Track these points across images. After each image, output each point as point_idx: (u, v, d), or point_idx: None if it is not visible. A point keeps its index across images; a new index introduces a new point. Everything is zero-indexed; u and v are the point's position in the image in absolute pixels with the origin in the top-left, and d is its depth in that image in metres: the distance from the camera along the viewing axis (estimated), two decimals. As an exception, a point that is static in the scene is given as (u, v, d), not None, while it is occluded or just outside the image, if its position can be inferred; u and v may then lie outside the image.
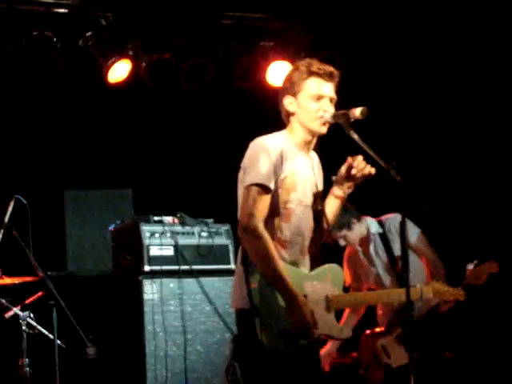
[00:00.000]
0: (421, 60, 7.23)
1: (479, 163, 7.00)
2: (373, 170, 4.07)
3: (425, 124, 7.27)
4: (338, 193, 4.19)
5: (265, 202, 3.98)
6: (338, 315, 4.36)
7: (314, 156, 4.31)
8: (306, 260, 4.18)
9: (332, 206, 4.22)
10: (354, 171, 4.09)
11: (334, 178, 4.21)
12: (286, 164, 4.07)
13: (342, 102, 4.25)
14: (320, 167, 4.32)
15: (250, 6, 7.25)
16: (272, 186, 4.01)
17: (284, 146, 4.11)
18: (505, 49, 6.70)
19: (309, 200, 4.17)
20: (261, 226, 3.94)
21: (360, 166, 4.07)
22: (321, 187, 4.26)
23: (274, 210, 4.06)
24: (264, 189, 3.98)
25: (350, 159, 4.11)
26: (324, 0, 7.30)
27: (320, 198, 4.24)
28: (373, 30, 7.33)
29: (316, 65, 4.16)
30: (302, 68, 4.17)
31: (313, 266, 4.21)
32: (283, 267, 3.95)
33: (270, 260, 3.93)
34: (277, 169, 4.03)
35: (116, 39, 6.98)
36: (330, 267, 4.24)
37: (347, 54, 7.29)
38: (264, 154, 4.02)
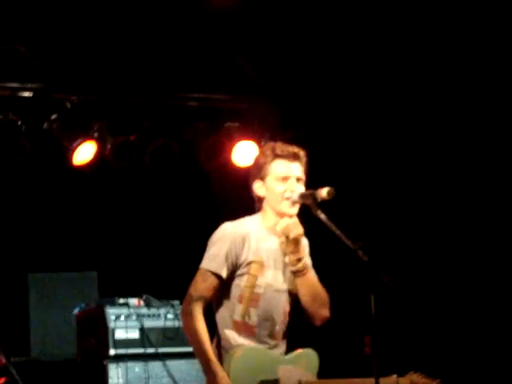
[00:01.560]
0: (386, 140, 7.31)
1: (448, 244, 7.03)
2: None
3: (392, 204, 7.31)
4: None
5: (206, 284, 4.03)
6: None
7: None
8: (280, 345, 4.15)
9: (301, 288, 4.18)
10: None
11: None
12: (250, 250, 4.07)
13: (309, 182, 4.26)
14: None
15: (214, 87, 7.31)
16: (221, 272, 4.04)
17: (253, 231, 4.12)
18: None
19: (280, 284, 4.14)
20: (193, 305, 4.02)
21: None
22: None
23: (242, 295, 4.05)
24: (209, 273, 4.04)
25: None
26: (289, 81, 7.38)
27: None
28: (338, 110, 7.42)
29: (280, 147, 4.19)
30: (266, 152, 4.21)
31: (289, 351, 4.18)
32: (208, 347, 3.97)
33: (195, 335, 3.98)
34: (234, 256, 4.05)
35: (81, 121, 6.98)
36: (305, 352, 4.21)
37: (313, 134, 7.35)
38: (220, 241, 4.06)
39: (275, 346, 4.12)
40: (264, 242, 4.12)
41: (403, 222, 7.27)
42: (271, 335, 4.11)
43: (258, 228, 4.14)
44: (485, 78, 6.61)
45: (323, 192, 4.04)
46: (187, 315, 4.03)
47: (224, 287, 4.09)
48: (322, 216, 4.00)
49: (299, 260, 4.10)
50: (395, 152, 7.27)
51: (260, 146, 7.23)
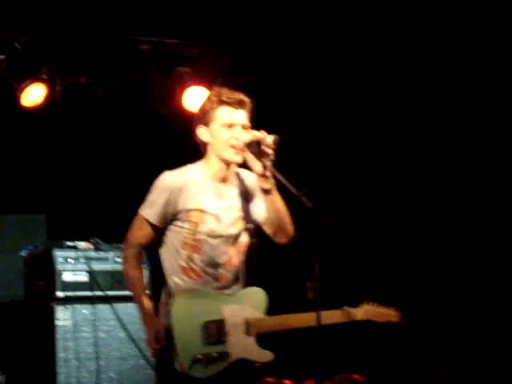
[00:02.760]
0: (332, 87, 7.33)
1: (393, 185, 7.12)
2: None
3: (339, 152, 7.37)
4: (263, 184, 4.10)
5: (142, 232, 4.15)
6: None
7: (235, 186, 4.24)
8: (235, 288, 4.20)
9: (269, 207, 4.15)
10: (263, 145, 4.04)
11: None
12: (189, 198, 4.10)
13: (257, 128, 4.27)
14: (239, 197, 4.26)
15: (166, 32, 7.26)
16: (156, 222, 4.11)
17: (193, 178, 4.14)
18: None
19: (222, 231, 4.18)
20: (128, 252, 4.18)
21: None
22: (242, 222, 4.23)
23: (185, 243, 4.11)
24: (145, 221, 4.13)
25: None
26: (241, 26, 7.35)
27: (241, 229, 4.23)
28: (289, 56, 7.42)
29: (226, 93, 4.18)
30: (212, 98, 4.19)
31: None
32: (142, 291, 4.14)
33: (128, 282, 4.19)
34: (171, 205, 4.09)
35: (30, 63, 6.91)
36: (251, 290, 4.24)
37: (264, 80, 7.35)
38: (158, 190, 4.11)
39: (223, 290, 4.16)
40: (205, 189, 4.14)
41: (350, 168, 7.35)
42: (218, 280, 4.15)
43: (200, 175, 4.16)
44: (474, 73, 6.66)
45: (268, 139, 4.06)
46: (125, 260, 4.22)
47: (166, 234, 4.15)
48: (268, 163, 4.02)
49: (265, 178, 4.04)
50: (344, 100, 7.32)
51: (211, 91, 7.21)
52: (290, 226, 4.17)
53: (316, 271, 3.79)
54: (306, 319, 4.23)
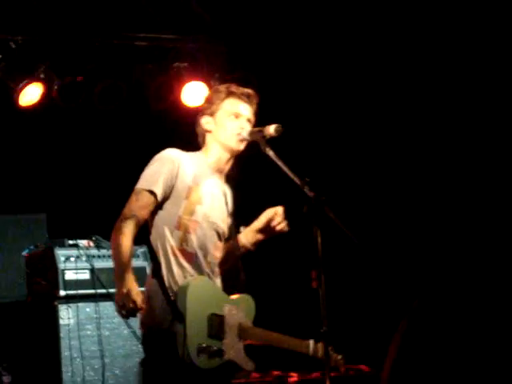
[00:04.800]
0: (333, 79, 7.32)
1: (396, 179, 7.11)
2: (287, 228, 4.20)
3: (340, 141, 7.36)
4: (246, 244, 4.25)
5: (140, 203, 4.04)
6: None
7: (228, 188, 4.34)
8: (214, 279, 4.18)
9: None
10: (274, 223, 4.20)
11: (242, 228, 4.25)
12: (190, 175, 4.10)
13: (258, 120, 4.30)
14: (231, 200, 4.33)
15: (162, 27, 7.24)
16: (155, 189, 4.04)
17: (193, 161, 4.16)
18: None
19: (215, 219, 4.18)
20: (123, 223, 4.01)
21: (279, 219, 4.20)
22: (229, 218, 4.28)
23: (179, 222, 4.08)
24: (144, 192, 4.05)
25: (270, 212, 4.20)
26: (238, 21, 7.34)
27: (228, 227, 4.27)
28: (287, 51, 7.40)
29: (235, 86, 4.27)
30: (221, 89, 4.29)
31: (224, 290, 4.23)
32: (127, 261, 3.96)
33: (117, 248, 3.97)
34: (172, 176, 4.06)
35: (26, 62, 6.89)
36: (244, 297, 4.29)
37: (262, 75, 7.33)
38: (158, 162, 4.10)
39: (210, 276, 4.15)
40: (205, 176, 4.17)
41: (353, 159, 7.34)
42: (206, 266, 4.14)
43: (201, 162, 4.18)
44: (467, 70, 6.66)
45: (271, 129, 4.12)
46: (116, 231, 4.01)
47: (160, 213, 4.10)
48: (271, 153, 4.07)
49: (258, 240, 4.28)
50: (345, 90, 7.31)
51: (209, 87, 7.21)
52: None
53: (319, 260, 3.78)
54: (289, 343, 4.25)
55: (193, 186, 4.10)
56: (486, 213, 6.57)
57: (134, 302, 3.87)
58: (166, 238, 4.07)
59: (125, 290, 3.89)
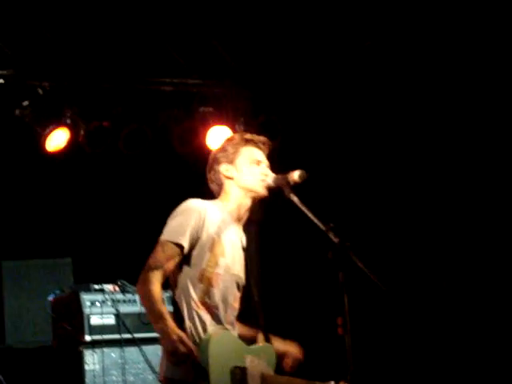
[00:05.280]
0: (356, 122, 7.33)
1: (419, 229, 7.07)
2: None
3: (363, 187, 7.35)
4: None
5: (165, 254, 3.97)
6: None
7: (244, 236, 4.31)
8: (233, 331, 4.16)
9: None
10: (286, 362, 4.31)
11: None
12: (214, 226, 4.07)
13: (283, 165, 4.30)
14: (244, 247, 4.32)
15: (187, 72, 7.29)
16: (184, 243, 3.99)
17: (213, 211, 4.13)
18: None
19: (237, 271, 4.17)
20: (150, 273, 3.92)
21: (290, 364, 4.31)
22: (243, 267, 4.26)
23: (203, 275, 4.05)
24: (170, 243, 3.98)
25: (292, 351, 4.32)
26: (262, 65, 7.38)
27: (245, 272, 4.25)
28: (309, 94, 7.43)
29: (248, 134, 4.29)
30: (236, 137, 4.29)
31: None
32: (165, 310, 3.88)
33: (149, 298, 3.88)
34: (197, 228, 4.03)
35: (53, 108, 6.95)
36: (265, 347, 4.26)
37: (285, 119, 7.36)
38: (184, 214, 4.04)
39: (230, 328, 4.13)
40: (226, 225, 4.14)
41: (377, 205, 7.31)
42: (225, 319, 4.12)
43: (222, 211, 4.16)
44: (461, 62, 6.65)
45: (295, 175, 4.10)
46: (143, 282, 3.92)
47: (185, 267, 4.06)
48: (295, 199, 4.05)
49: None
50: (366, 134, 7.30)
51: (234, 131, 7.24)
52: None
53: (345, 306, 3.76)
54: None
55: (216, 237, 4.07)
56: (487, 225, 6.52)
57: (187, 346, 3.85)
58: (189, 291, 4.02)
59: (175, 337, 3.82)
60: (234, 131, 7.21)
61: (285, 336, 4.34)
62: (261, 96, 7.49)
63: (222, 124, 7.44)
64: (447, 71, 6.73)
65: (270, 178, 4.16)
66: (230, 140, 4.29)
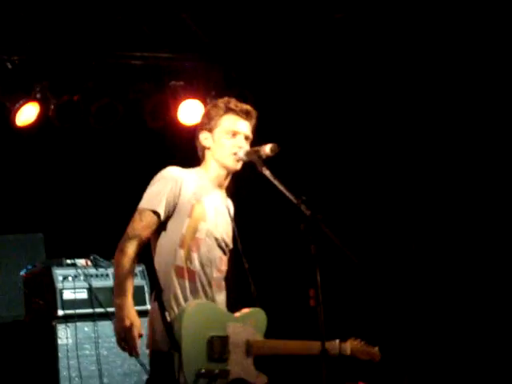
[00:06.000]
0: (325, 95, 7.34)
1: (390, 191, 7.11)
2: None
3: (334, 158, 7.38)
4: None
5: (143, 223, 4.04)
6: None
7: (230, 202, 4.37)
8: (219, 294, 4.18)
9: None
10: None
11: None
12: (192, 192, 4.10)
13: (255, 138, 4.31)
14: (232, 215, 4.34)
15: (158, 46, 7.26)
16: (160, 210, 4.04)
17: (194, 177, 4.16)
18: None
19: (218, 233, 4.19)
20: (127, 243, 4.02)
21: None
22: (230, 232, 4.28)
23: (183, 241, 4.07)
24: (147, 212, 4.03)
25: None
26: (232, 38, 7.36)
27: (230, 239, 4.28)
28: (282, 67, 7.42)
29: (234, 102, 4.27)
30: (219, 105, 4.27)
31: (230, 304, 4.22)
32: (127, 285, 3.98)
33: (119, 270, 3.99)
34: (174, 195, 4.06)
35: (23, 82, 6.90)
36: (254, 311, 4.27)
37: (258, 92, 7.35)
38: (161, 181, 4.09)
39: (214, 294, 4.15)
40: (207, 191, 4.17)
41: (348, 177, 7.34)
42: (209, 284, 4.14)
43: (202, 178, 4.18)
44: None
45: (267, 148, 4.13)
46: (119, 252, 4.02)
47: (163, 233, 4.10)
48: (267, 172, 4.08)
49: None
50: (337, 105, 7.32)
51: (205, 105, 7.22)
52: None
53: (317, 279, 3.79)
54: (304, 347, 4.24)
55: (195, 203, 4.10)
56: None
57: (134, 340, 3.91)
58: (169, 258, 4.06)
59: (127, 324, 3.93)
60: (206, 105, 7.20)
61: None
62: (232, 69, 7.47)
63: (193, 98, 7.43)
64: (446, 71, 6.75)
65: (242, 151, 4.16)
66: (213, 106, 4.29)
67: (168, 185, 4.07)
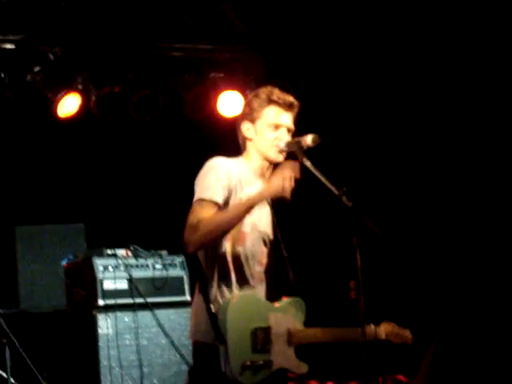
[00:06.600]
0: (366, 87, 7.30)
1: (429, 187, 7.06)
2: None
3: (376, 150, 7.33)
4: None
5: (205, 210, 3.92)
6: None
7: None
8: (260, 287, 4.17)
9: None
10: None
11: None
12: (239, 186, 4.07)
13: (296, 129, 4.28)
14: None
15: (198, 38, 7.27)
16: (219, 199, 3.97)
17: (239, 170, 4.11)
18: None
19: (262, 227, 4.17)
20: (192, 229, 3.89)
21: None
22: (271, 222, 4.25)
23: (229, 233, 4.04)
24: (206, 201, 3.95)
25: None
26: (273, 29, 7.35)
27: (271, 230, 4.24)
28: (323, 59, 7.39)
29: (276, 93, 4.18)
30: (262, 95, 4.19)
31: (270, 296, 4.20)
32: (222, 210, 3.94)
33: (213, 221, 3.90)
34: (226, 187, 4.01)
35: (64, 73, 6.95)
36: (293, 301, 4.24)
37: (298, 83, 7.33)
38: (212, 171, 4.01)
39: (256, 287, 4.14)
40: (251, 183, 4.12)
41: (389, 168, 7.30)
42: (252, 277, 4.13)
43: (244, 169, 4.15)
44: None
45: (308, 139, 4.08)
46: (192, 230, 3.88)
47: None
48: (308, 163, 4.03)
49: None
50: (380, 98, 7.27)
51: (245, 96, 7.21)
52: None
53: (358, 270, 3.77)
54: (346, 334, 4.22)
55: (242, 197, 4.05)
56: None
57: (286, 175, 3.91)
58: (214, 250, 4.05)
59: (279, 183, 3.91)
60: (245, 97, 7.19)
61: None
62: (273, 61, 7.46)
63: (232, 89, 7.43)
64: (447, 72, 6.70)
65: (283, 142, 4.13)
66: (256, 96, 4.21)
67: (221, 174, 4.01)
